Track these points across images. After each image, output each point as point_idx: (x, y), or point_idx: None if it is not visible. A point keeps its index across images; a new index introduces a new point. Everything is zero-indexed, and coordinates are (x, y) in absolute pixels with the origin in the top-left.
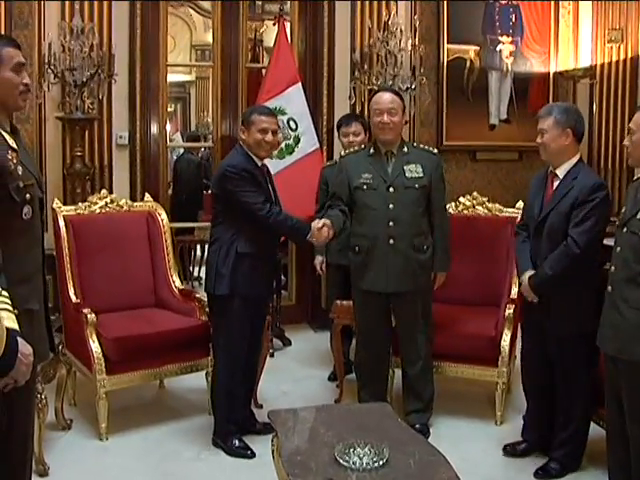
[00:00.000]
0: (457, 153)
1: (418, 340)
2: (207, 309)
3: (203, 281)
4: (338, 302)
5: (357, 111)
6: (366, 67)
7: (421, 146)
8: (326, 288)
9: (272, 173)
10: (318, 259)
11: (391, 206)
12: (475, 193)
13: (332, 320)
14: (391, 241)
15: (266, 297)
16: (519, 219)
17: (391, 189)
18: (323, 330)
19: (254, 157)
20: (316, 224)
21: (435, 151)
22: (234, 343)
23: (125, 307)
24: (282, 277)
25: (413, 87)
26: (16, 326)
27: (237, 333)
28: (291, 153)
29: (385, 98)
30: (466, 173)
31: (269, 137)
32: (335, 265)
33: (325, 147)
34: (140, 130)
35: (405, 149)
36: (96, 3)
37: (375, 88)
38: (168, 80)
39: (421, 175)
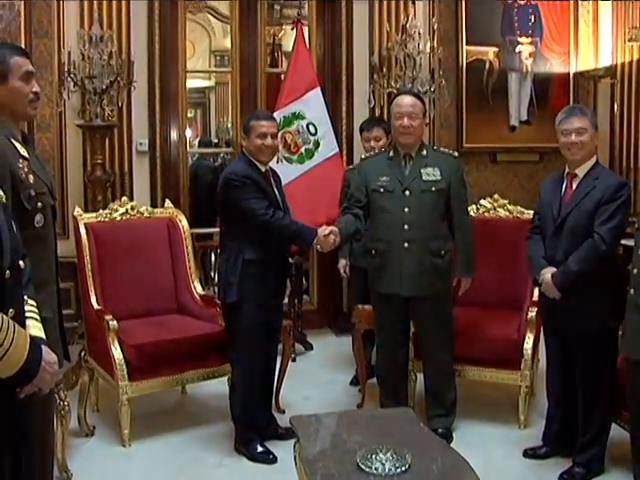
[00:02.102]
0: (477, 155)
1: (438, 344)
2: (222, 318)
3: None
4: (360, 306)
5: (377, 114)
6: (385, 70)
7: (441, 149)
8: (348, 292)
9: (292, 178)
10: (342, 262)
11: (407, 210)
12: (496, 195)
13: (354, 324)
14: (406, 245)
15: (277, 302)
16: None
17: (407, 192)
18: (345, 334)
19: (257, 163)
20: (322, 230)
21: (455, 154)
22: (249, 350)
23: (147, 314)
24: (303, 281)
25: (432, 90)
26: (42, 334)
27: (251, 340)
28: (311, 157)
29: (406, 101)
30: (487, 175)
31: (268, 141)
32: (358, 268)
33: (345, 151)
34: (160, 136)
35: (424, 152)
36: (115, 10)
37: (394, 91)
38: (187, 86)
39: (438, 178)
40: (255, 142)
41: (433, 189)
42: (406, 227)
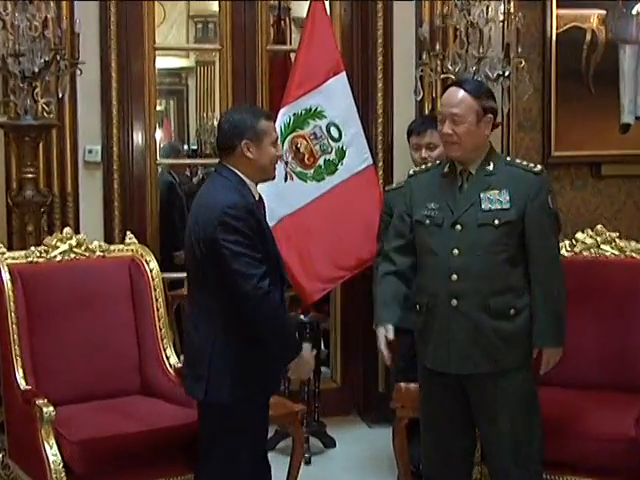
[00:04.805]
0: (573, 167)
1: (512, 444)
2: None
3: None
4: (403, 385)
5: (426, 111)
6: (438, 48)
7: (517, 161)
8: (384, 364)
9: (306, 202)
10: (383, 327)
11: (455, 251)
12: (599, 226)
13: (394, 410)
14: (454, 302)
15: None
16: None
17: (458, 227)
18: (382, 425)
19: (251, 186)
20: (307, 351)
21: (537, 168)
22: (239, 466)
23: (98, 395)
24: (322, 348)
25: (507, 74)
26: None
27: (247, 446)
28: (333, 172)
29: (448, 99)
30: (586, 196)
31: (280, 149)
32: (402, 330)
33: (381, 164)
34: (118, 141)
35: (490, 167)
36: None
37: (452, 77)
38: (157, 68)
39: (506, 206)
40: (270, 152)
41: (496, 222)
42: (454, 277)
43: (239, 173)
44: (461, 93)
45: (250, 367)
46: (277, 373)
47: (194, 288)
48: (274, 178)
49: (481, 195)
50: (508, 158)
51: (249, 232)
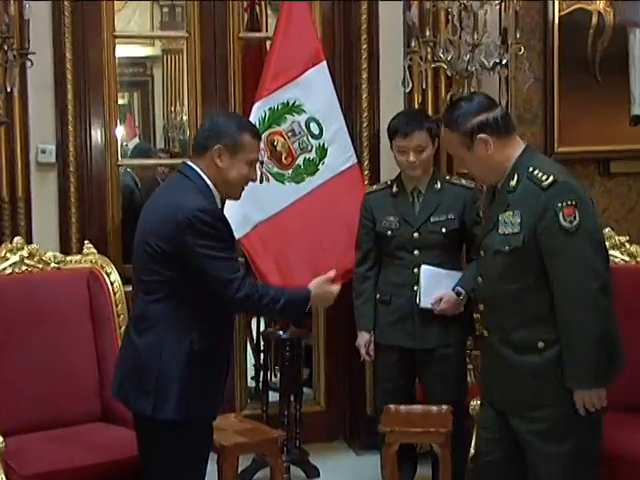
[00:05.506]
0: (578, 165)
1: None
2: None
3: None
4: (392, 407)
5: (416, 104)
6: (429, 34)
7: (534, 172)
8: (374, 383)
9: (284, 206)
10: (363, 337)
11: (480, 279)
12: (608, 230)
13: (383, 435)
14: (485, 333)
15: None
16: None
17: (482, 252)
18: (371, 451)
19: (214, 192)
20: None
21: (547, 181)
22: None
23: (53, 423)
24: (302, 367)
25: (504, 62)
26: None
27: (185, 473)
28: (313, 173)
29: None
30: (594, 196)
31: (255, 175)
32: (386, 347)
33: (367, 162)
34: (74, 139)
35: (513, 181)
36: None
37: (443, 66)
38: (118, 57)
39: (516, 230)
40: (242, 171)
41: (507, 248)
42: (481, 307)
43: (205, 177)
44: (442, 132)
45: (201, 380)
46: (222, 391)
47: (141, 292)
48: (238, 199)
49: (499, 217)
50: (530, 169)
51: (224, 237)
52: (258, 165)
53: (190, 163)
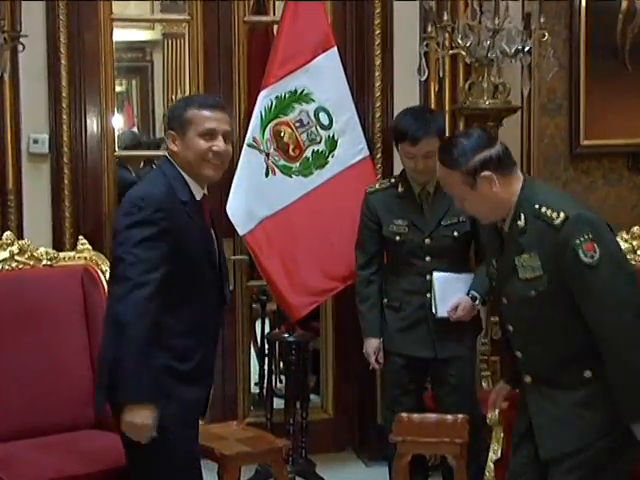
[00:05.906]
0: (606, 159)
1: None
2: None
3: None
4: (404, 415)
5: (432, 93)
6: (446, 18)
7: (542, 210)
8: (384, 390)
9: (291, 201)
10: (372, 344)
11: (510, 327)
12: (636, 228)
13: (394, 445)
14: (527, 378)
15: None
16: None
17: (504, 299)
18: (381, 463)
19: (191, 184)
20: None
21: (558, 220)
22: None
23: (45, 430)
24: (309, 373)
25: (527, 49)
26: None
27: None
28: (323, 166)
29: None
30: (622, 192)
31: (219, 145)
32: (395, 353)
33: (379, 155)
34: (68, 129)
35: (521, 221)
36: None
37: (462, 53)
38: (115, 41)
39: (538, 273)
40: (197, 145)
41: (533, 293)
42: (518, 354)
43: (178, 168)
44: (440, 170)
45: (175, 382)
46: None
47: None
48: (217, 178)
49: (515, 261)
50: (536, 206)
51: (153, 229)
52: (264, 157)
53: (167, 156)
